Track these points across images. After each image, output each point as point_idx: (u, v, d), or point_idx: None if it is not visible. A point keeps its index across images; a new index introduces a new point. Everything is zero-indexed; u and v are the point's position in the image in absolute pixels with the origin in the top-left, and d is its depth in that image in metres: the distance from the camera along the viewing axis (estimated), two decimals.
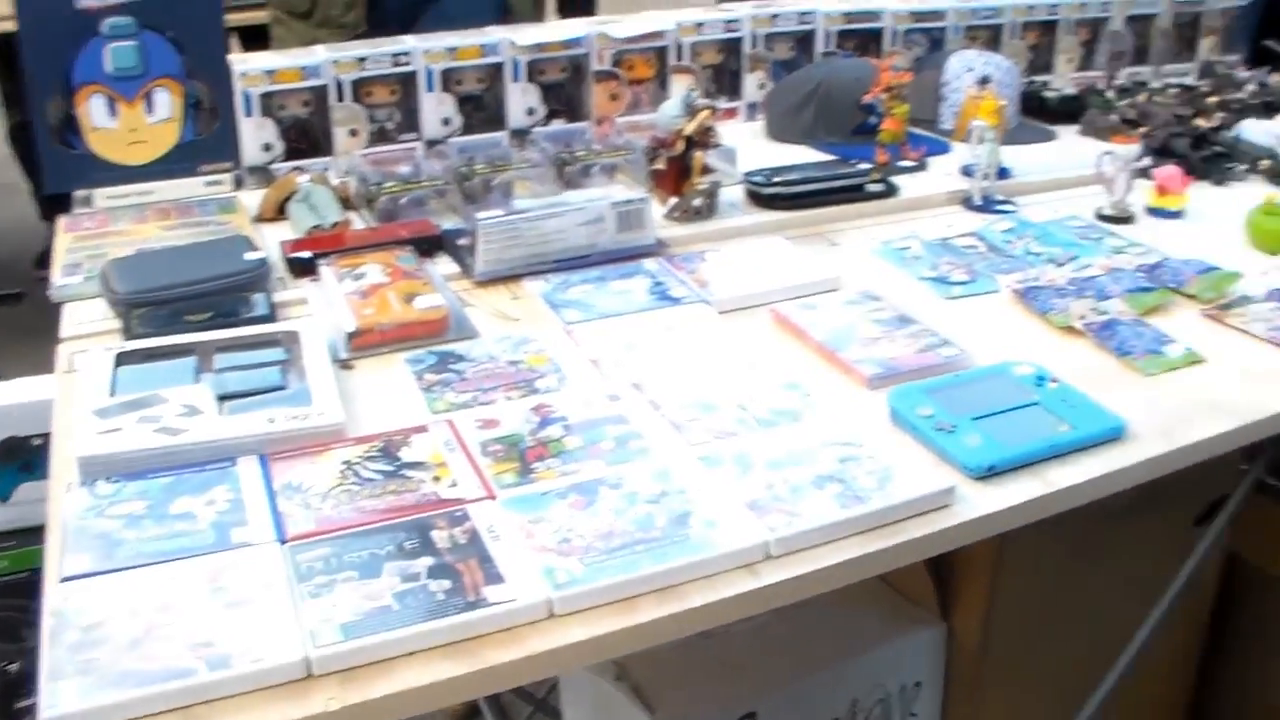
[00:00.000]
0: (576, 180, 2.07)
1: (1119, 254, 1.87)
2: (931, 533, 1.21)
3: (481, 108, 2.30)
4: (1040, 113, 2.62)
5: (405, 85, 2.21)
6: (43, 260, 2.99)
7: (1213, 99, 2.58)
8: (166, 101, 2.03)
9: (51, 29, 1.94)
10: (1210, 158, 2.31)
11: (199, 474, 1.23)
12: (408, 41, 2.21)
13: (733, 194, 2.06)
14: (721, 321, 1.62)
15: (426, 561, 1.10)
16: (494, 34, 2.29)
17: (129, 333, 1.54)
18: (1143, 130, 2.40)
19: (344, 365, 1.49)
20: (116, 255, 1.73)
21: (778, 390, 1.42)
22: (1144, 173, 2.15)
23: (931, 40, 2.72)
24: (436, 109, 2.24)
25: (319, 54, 2.15)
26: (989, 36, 2.76)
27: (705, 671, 1.89)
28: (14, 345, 2.89)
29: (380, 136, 2.22)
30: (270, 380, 1.39)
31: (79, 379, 1.40)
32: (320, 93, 2.14)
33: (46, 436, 1.38)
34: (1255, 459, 1.67)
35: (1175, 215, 2.07)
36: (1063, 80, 2.81)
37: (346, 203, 1.98)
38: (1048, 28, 2.82)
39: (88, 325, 1.60)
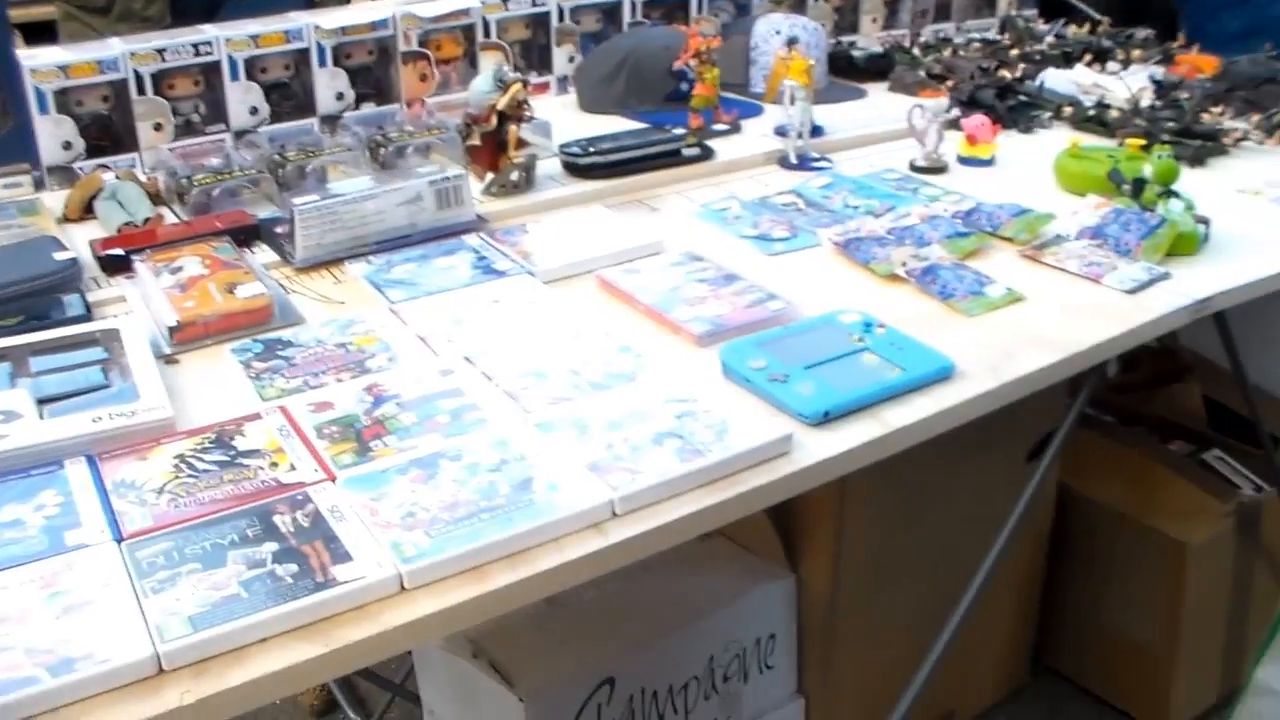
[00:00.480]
0: (391, 162, 2.05)
1: (935, 202, 1.93)
2: (773, 480, 1.23)
3: (289, 95, 2.26)
4: (849, 72, 2.68)
5: (209, 76, 2.16)
6: None
7: (1014, 51, 2.70)
8: None
9: None
10: (1016, 107, 2.40)
11: (24, 479, 1.19)
12: (208, 31, 2.16)
13: (550, 166, 2.06)
14: (547, 291, 1.63)
15: (271, 547, 1.08)
16: (298, 19, 2.25)
17: None
18: (949, 84, 2.49)
19: (168, 360, 1.45)
20: None
21: (609, 354, 1.43)
22: (953, 124, 2.22)
23: (737, 6, 2.77)
24: (243, 98, 2.19)
25: (115, 46, 2.09)
26: (794, 0, 2.81)
27: (561, 642, 1.91)
28: None
29: (186, 129, 2.16)
30: (92, 380, 1.36)
31: None
32: (119, 87, 2.07)
33: None
34: (1077, 394, 1.74)
35: (986, 163, 2.15)
36: (869, 40, 2.89)
37: (156, 198, 1.93)
38: None
39: None
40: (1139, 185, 1.84)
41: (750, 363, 1.39)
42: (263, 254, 1.77)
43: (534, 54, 2.56)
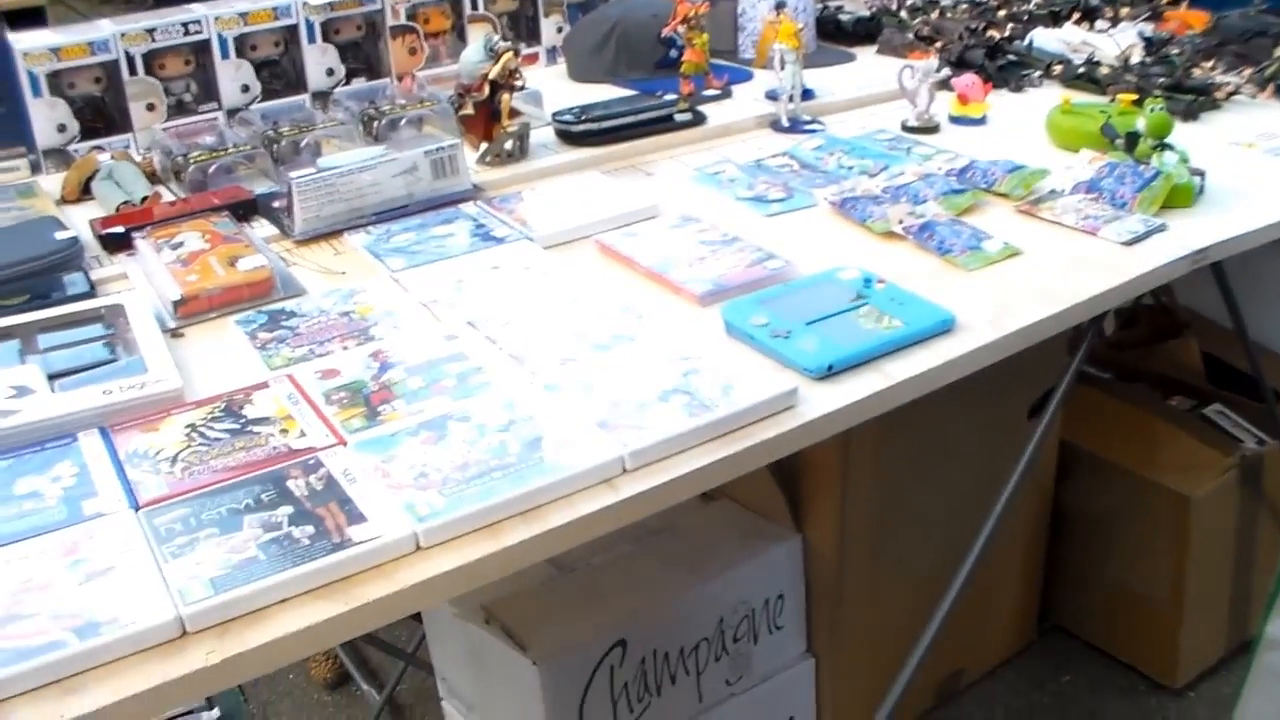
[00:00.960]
0: (385, 135, 2.06)
1: (928, 160, 1.93)
2: (781, 433, 1.24)
3: (280, 73, 2.26)
4: (836, 36, 2.68)
5: (199, 55, 2.16)
6: None
7: (1002, 11, 2.69)
8: None
9: None
10: (1006, 66, 2.40)
11: (39, 453, 1.20)
12: (197, 9, 2.16)
13: (543, 135, 2.07)
14: (547, 256, 1.64)
15: (286, 510, 1.09)
16: None
17: None
18: (938, 45, 2.49)
19: (174, 334, 1.46)
20: None
21: (612, 315, 1.44)
22: (944, 85, 2.22)
23: None
24: (234, 76, 2.19)
25: (105, 28, 2.09)
26: None
27: (572, 607, 1.92)
28: None
29: (179, 109, 2.16)
30: (98, 355, 1.37)
31: None
32: (111, 68, 2.07)
33: None
34: (1076, 350, 1.75)
35: (978, 122, 2.16)
36: (855, 3, 2.88)
37: (153, 178, 1.94)
38: None
39: None
40: (1133, 139, 1.84)
41: (752, 320, 1.40)
42: (262, 228, 1.77)
43: (522, 25, 2.56)
